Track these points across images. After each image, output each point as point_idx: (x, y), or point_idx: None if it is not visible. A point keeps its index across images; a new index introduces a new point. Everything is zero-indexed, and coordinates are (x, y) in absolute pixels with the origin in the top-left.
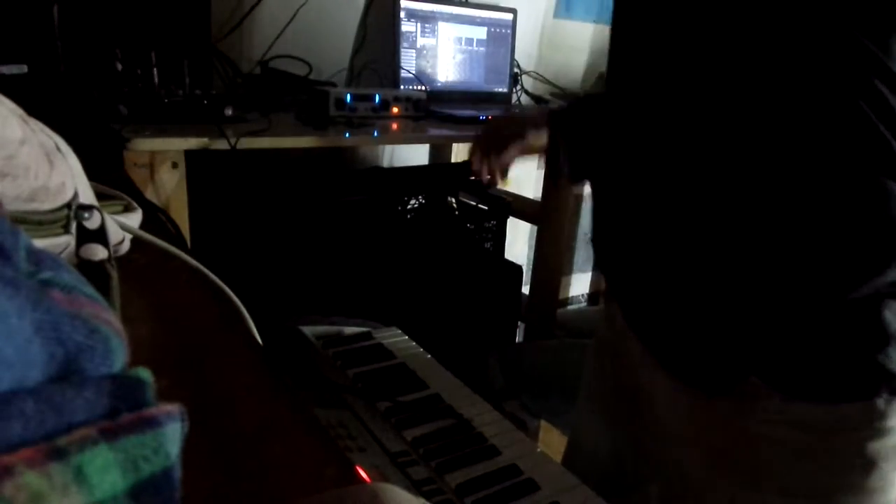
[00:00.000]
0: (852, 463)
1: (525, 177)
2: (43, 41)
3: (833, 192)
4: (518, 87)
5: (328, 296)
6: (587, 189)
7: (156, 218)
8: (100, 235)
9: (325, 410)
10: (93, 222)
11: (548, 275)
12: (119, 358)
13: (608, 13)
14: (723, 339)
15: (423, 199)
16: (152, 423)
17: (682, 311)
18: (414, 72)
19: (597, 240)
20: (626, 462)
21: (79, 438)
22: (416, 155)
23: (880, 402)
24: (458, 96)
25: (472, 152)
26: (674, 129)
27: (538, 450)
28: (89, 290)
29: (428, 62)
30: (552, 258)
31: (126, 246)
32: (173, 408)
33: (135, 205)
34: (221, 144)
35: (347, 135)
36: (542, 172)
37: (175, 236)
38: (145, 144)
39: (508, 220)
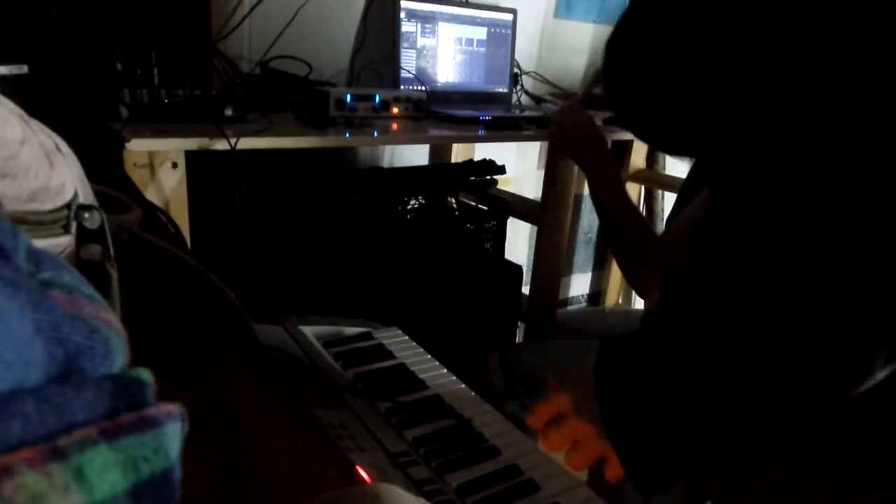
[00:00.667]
0: None
1: (525, 177)
2: (43, 41)
3: None
4: (518, 87)
5: (329, 296)
6: (586, 189)
7: (156, 218)
8: (100, 235)
9: (325, 410)
10: (93, 222)
11: (548, 275)
12: (119, 358)
13: (608, 13)
14: None
15: (423, 199)
16: (152, 424)
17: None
18: (414, 72)
19: None
20: None
21: (79, 439)
22: (416, 155)
23: None
24: (458, 96)
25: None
26: None
27: (538, 450)
28: (89, 290)
29: (428, 62)
30: (552, 258)
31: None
32: (173, 408)
33: (135, 205)
34: (221, 144)
35: (347, 135)
36: (542, 172)
37: (175, 236)
38: (145, 145)
39: (508, 221)
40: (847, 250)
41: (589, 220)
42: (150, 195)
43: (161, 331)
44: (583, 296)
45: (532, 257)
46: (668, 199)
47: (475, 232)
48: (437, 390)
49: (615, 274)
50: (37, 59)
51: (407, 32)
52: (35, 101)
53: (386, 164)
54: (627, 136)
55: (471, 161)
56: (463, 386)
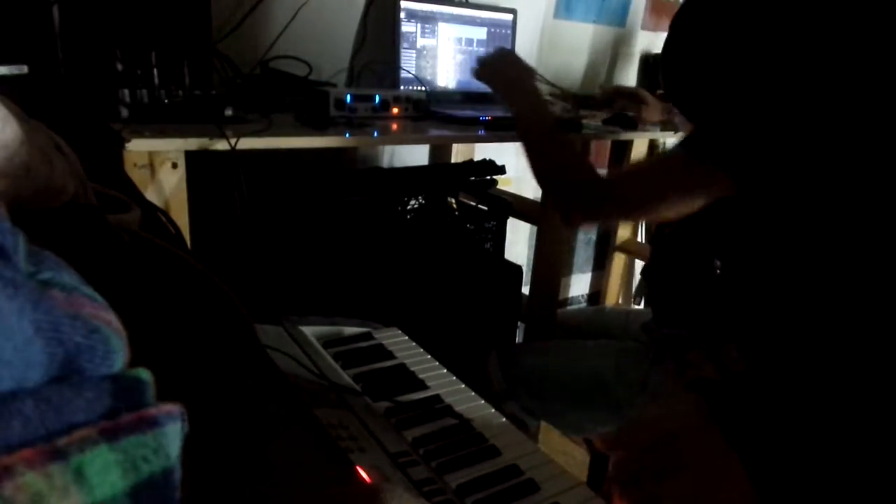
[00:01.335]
0: None
1: (525, 177)
2: (43, 41)
3: None
4: None
5: (329, 296)
6: None
7: (156, 218)
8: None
9: (325, 410)
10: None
11: (548, 275)
12: (119, 358)
13: (608, 14)
14: None
15: (423, 199)
16: (152, 424)
17: None
18: (414, 72)
19: None
20: None
21: (79, 439)
22: (416, 155)
23: None
24: (458, 97)
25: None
26: None
27: (538, 450)
28: (89, 290)
29: (428, 63)
30: (552, 258)
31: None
32: (173, 408)
33: (135, 205)
34: (221, 144)
35: (347, 135)
36: None
37: (175, 236)
38: (145, 145)
39: (508, 221)
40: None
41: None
42: (150, 195)
43: (161, 331)
44: (583, 296)
45: (532, 257)
46: None
47: (475, 232)
48: (437, 390)
49: (615, 274)
50: (37, 59)
51: (407, 33)
52: (35, 101)
53: (386, 164)
54: (628, 136)
55: (471, 161)
56: (463, 386)
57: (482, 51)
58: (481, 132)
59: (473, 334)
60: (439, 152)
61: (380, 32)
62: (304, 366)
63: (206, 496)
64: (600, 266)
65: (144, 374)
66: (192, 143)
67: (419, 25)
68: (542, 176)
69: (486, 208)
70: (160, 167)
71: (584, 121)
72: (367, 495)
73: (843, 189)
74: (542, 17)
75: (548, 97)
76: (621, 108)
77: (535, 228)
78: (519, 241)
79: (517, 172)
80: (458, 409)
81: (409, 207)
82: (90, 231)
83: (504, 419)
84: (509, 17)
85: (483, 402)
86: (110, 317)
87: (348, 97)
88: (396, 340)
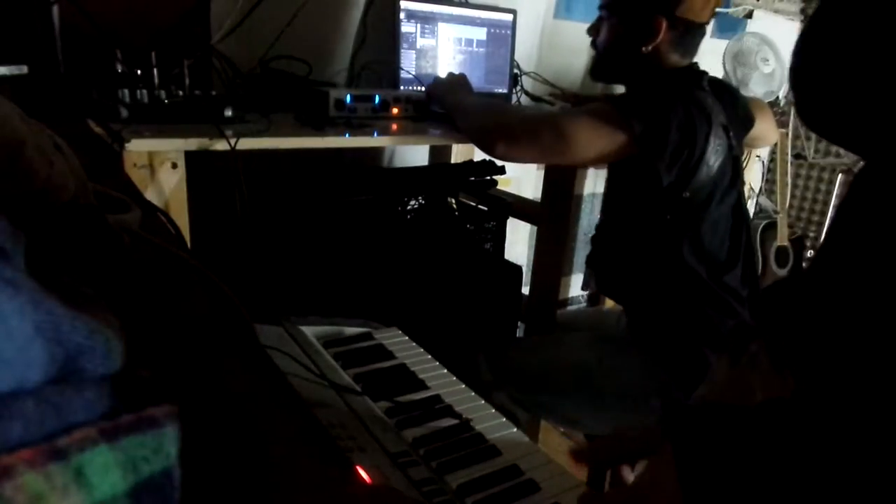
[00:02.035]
0: None
1: (525, 177)
2: (43, 41)
3: None
4: (518, 87)
5: (329, 296)
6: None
7: (156, 218)
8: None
9: (325, 410)
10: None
11: (548, 275)
12: (119, 358)
13: None
14: None
15: (423, 199)
16: (152, 424)
17: None
18: (414, 72)
19: None
20: None
21: (79, 439)
22: (416, 155)
23: None
24: None
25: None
26: None
27: (539, 450)
28: (89, 290)
29: (428, 63)
30: (552, 258)
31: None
32: (173, 408)
33: (135, 205)
34: (221, 145)
35: (347, 135)
36: (541, 173)
37: (175, 236)
38: (145, 145)
39: (508, 221)
40: None
41: (589, 220)
42: (150, 195)
43: (161, 331)
44: (583, 296)
45: (532, 257)
46: None
47: (475, 232)
48: (437, 391)
49: None
50: (37, 59)
51: (407, 33)
52: (35, 101)
53: (386, 164)
54: None
55: (471, 161)
56: (463, 386)
57: (482, 51)
58: None
59: (473, 335)
60: (439, 152)
61: (380, 32)
62: (305, 366)
63: (207, 496)
64: None
65: (144, 374)
66: (192, 144)
67: (419, 25)
68: (471, 125)
69: (485, 208)
70: (160, 167)
71: None
72: (368, 495)
73: None
74: (542, 17)
75: (548, 97)
76: None
77: (535, 228)
78: (519, 241)
79: (517, 172)
80: (458, 409)
81: (409, 208)
82: (90, 231)
83: (504, 419)
84: (509, 17)
85: (483, 402)
86: (110, 317)
87: (348, 97)
88: (396, 340)
